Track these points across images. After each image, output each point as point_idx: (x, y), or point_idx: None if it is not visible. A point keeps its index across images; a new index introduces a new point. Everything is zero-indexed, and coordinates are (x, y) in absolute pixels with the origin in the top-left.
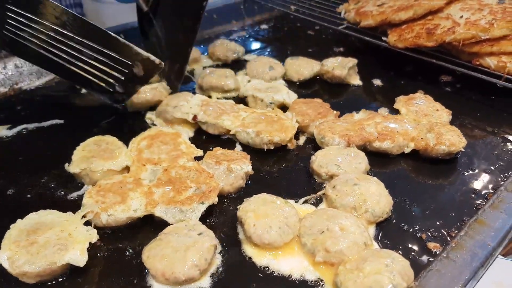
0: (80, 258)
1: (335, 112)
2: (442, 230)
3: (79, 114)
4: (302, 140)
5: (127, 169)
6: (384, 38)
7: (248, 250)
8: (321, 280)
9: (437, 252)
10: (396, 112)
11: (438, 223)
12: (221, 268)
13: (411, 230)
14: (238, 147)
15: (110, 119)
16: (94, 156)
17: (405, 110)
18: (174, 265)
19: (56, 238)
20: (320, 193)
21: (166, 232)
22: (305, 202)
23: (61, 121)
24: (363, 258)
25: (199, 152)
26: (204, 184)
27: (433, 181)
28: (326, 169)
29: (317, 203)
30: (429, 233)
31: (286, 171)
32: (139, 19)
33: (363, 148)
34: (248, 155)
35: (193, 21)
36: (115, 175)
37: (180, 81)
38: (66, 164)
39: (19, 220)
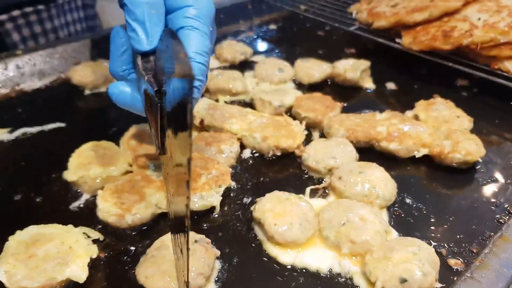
0: (81, 274)
1: (339, 104)
2: (463, 245)
3: (81, 117)
4: (316, 136)
5: (125, 173)
6: (397, 40)
7: (271, 249)
8: (349, 272)
9: (458, 269)
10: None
11: (458, 236)
12: (224, 273)
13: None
14: (247, 152)
15: (113, 123)
16: (92, 163)
17: (424, 115)
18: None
19: (56, 251)
20: (323, 185)
21: (157, 247)
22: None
23: (63, 124)
24: (390, 247)
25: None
26: (214, 170)
27: (448, 190)
28: (324, 164)
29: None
30: (449, 248)
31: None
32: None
33: (369, 146)
34: (235, 136)
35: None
36: (115, 181)
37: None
38: (65, 172)
39: (18, 232)
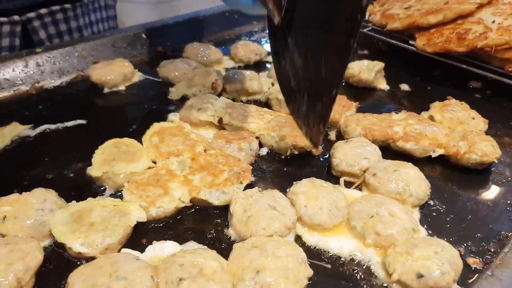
0: (143, 214)
1: (355, 103)
2: (481, 244)
3: (101, 115)
4: (333, 135)
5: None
6: (411, 42)
7: (298, 228)
8: (369, 261)
9: (477, 268)
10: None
11: (476, 236)
12: None
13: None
14: (264, 150)
15: (133, 121)
16: (115, 159)
17: (439, 116)
18: None
19: (107, 213)
20: (358, 181)
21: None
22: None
23: (84, 122)
24: (413, 244)
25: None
26: (235, 166)
27: (464, 190)
28: (359, 166)
29: None
30: (467, 247)
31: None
32: (270, 35)
33: (386, 145)
34: (254, 134)
35: (345, 40)
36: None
37: (324, 127)
38: (88, 168)
39: (57, 213)
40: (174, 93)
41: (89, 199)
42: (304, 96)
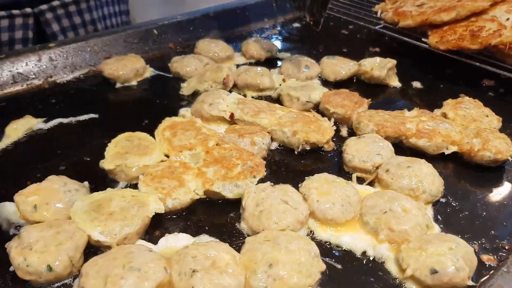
0: (161, 205)
1: (367, 100)
2: (495, 241)
3: (113, 109)
4: (344, 131)
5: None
6: (424, 39)
7: (311, 223)
8: (381, 257)
9: (491, 265)
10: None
11: (490, 233)
12: None
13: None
14: (274, 145)
15: (144, 115)
16: (128, 152)
17: (453, 114)
18: None
19: (126, 202)
20: (371, 177)
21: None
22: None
23: (96, 116)
24: (427, 240)
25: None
26: (249, 161)
27: (477, 187)
28: (372, 162)
29: None
30: (481, 244)
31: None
32: None
33: (398, 142)
34: (267, 128)
35: None
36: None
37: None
38: (101, 161)
39: (76, 203)
40: (186, 89)
41: (108, 189)
42: None
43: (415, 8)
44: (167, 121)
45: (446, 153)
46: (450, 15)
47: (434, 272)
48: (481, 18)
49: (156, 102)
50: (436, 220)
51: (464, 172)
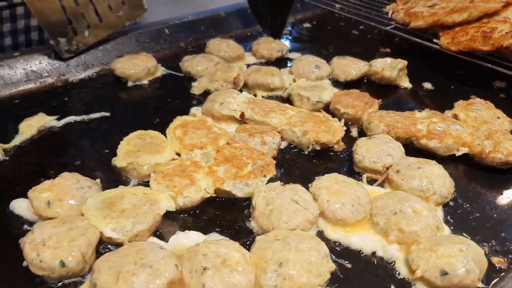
0: (172, 203)
1: (377, 100)
2: (506, 244)
3: (125, 108)
4: (354, 132)
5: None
6: (435, 40)
7: (320, 223)
8: (391, 257)
9: (502, 268)
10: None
11: (500, 235)
12: None
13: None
14: (284, 145)
15: (156, 114)
16: (140, 150)
17: (464, 115)
18: None
19: (137, 200)
20: (381, 178)
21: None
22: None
23: (108, 114)
24: (437, 241)
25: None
26: (259, 160)
27: (487, 189)
28: (382, 163)
29: None
30: (492, 246)
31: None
32: None
33: (409, 143)
34: (277, 128)
35: None
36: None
37: (283, 30)
38: (114, 159)
39: (89, 200)
40: (196, 88)
41: (120, 186)
42: (268, 16)
43: (427, 9)
44: (178, 120)
45: (457, 155)
46: (462, 16)
47: (444, 273)
48: (493, 19)
49: (167, 101)
50: (446, 221)
51: (475, 173)
